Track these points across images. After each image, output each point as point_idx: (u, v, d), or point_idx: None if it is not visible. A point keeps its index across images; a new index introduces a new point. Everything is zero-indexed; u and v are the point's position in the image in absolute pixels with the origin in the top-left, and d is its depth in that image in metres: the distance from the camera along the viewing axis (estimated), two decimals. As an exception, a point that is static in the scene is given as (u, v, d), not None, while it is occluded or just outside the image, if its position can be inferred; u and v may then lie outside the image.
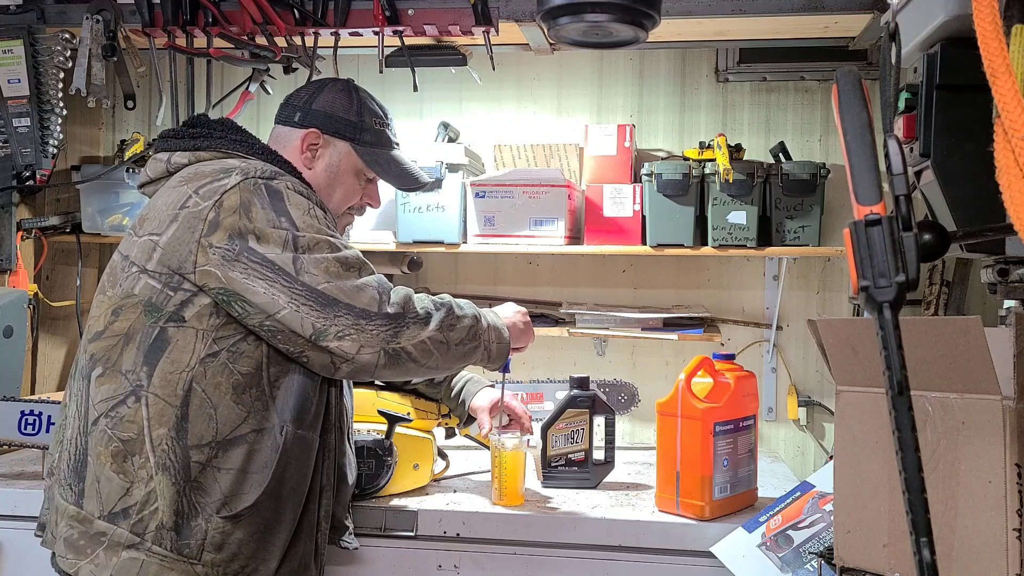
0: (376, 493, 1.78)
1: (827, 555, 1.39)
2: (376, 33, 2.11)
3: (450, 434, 2.02)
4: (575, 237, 2.38)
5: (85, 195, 2.47)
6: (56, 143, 2.28)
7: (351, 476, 1.63)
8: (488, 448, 1.82)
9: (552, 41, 2.17)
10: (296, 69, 2.18)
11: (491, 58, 2.12)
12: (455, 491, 1.88)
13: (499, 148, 2.46)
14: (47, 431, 1.86)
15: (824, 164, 2.23)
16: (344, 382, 1.60)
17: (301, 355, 1.41)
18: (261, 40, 2.11)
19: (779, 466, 2.26)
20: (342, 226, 1.76)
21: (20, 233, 2.37)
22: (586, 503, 1.79)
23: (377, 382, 1.86)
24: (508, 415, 1.89)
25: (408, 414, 1.83)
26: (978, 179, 1.17)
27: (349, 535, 1.64)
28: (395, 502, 1.77)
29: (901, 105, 1.41)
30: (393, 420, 1.77)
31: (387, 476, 1.77)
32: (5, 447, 2.03)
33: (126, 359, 1.39)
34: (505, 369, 1.72)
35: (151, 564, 1.34)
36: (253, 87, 2.21)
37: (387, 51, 2.14)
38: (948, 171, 1.32)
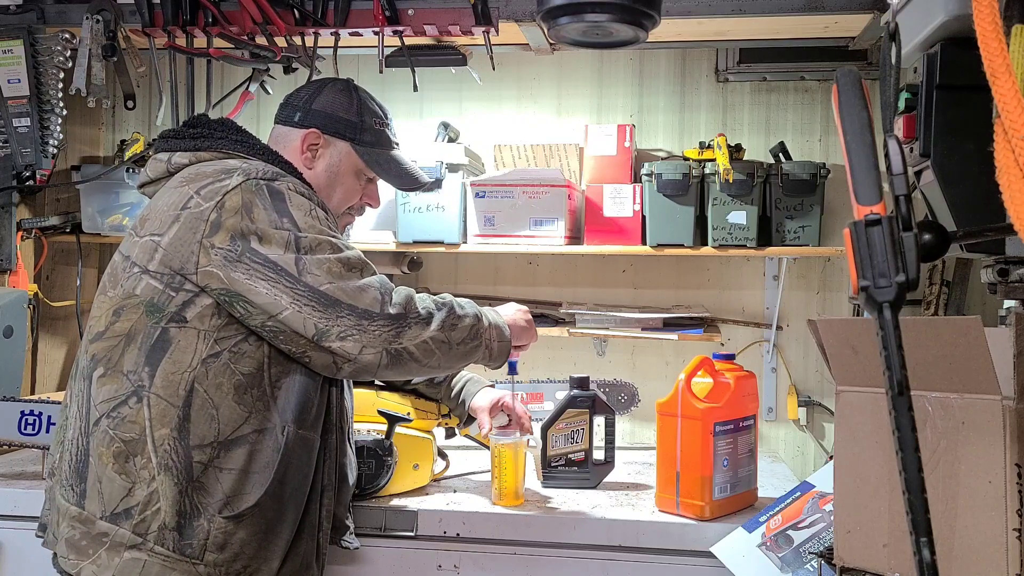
0: (376, 493, 1.78)
1: (827, 555, 1.39)
2: (376, 33, 2.11)
3: (450, 434, 2.02)
4: (575, 237, 2.38)
5: (85, 195, 2.47)
6: (56, 143, 2.28)
7: (352, 476, 1.64)
8: (488, 448, 1.83)
9: (552, 41, 2.17)
10: (296, 69, 2.18)
11: (491, 58, 2.12)
12: (455, 491, 1.88)
13: (499, 148, 2.46)
14: (47, 431, 1.86)
15: (824, 164, 2.23)
16: (344, 382, 1.60)
17: (303, 355, 1.41)
18: (261, 40, 2.11)
19: (779, 466, 2.27)
20: (342, 226, 1.76)
21: (20, 233, 2.37)
22: (586, 503, 1.79)
23: (377, 382, 1.87)
24: (508, 415, 1.89)
25: (408, 414, 1.83)
26: (978, 179, 1.17)
27: (350, 535, 1.64)
28: (395, 502, 1.77)
29: (901, 105, 1.41)
30: (393, 420, 1.77)
31: (387, 476, 1.77)
32: (5, 447, 2.03)
33: (127, 359, 1.39)
34: (512, 370, 1.72)
35: (153, 564, 1.34)
36: (253, 87, 2.21)
37: (387, 51, 2.14)
38: (948, 171, 1.32)
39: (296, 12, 2.09)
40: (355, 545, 1.64)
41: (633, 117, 2.58)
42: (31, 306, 2.36)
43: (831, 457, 1.70)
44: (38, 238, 2.46)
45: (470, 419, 1.92)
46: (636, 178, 2.37)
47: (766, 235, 2.26)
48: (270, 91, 2.25)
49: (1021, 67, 0.88)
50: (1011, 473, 1.07)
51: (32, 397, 2.09)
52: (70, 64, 2.21)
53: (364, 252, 1.52)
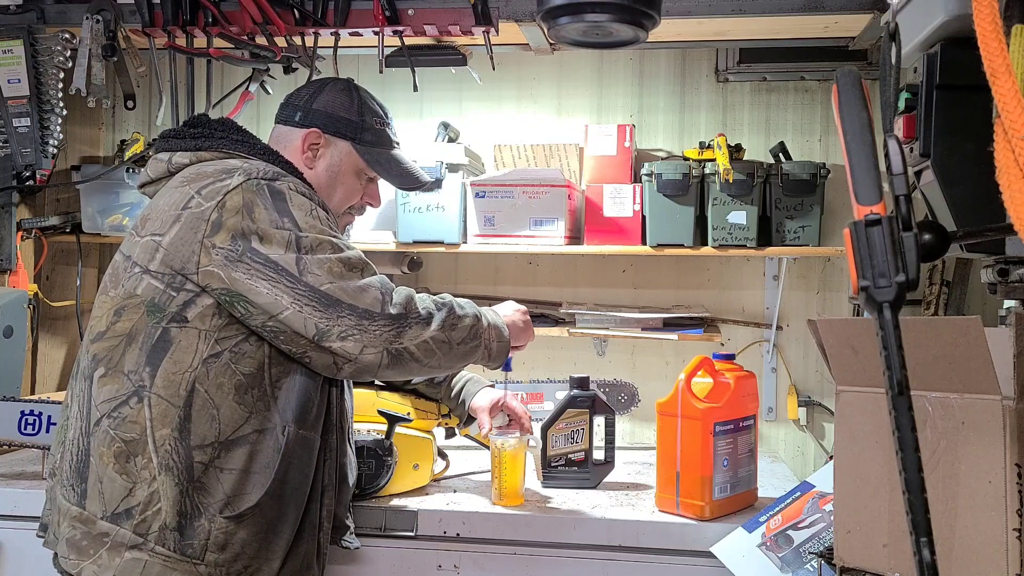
0: (376, 493, 1.78)
1: (827, 555, 1.39)
2: (376, 33, 2.11)
3: (450, 434, 2.02)
4: (575, 237, 2.38)
5: (85, 195, 2.47)
6: (56, 143, 2.28)
7: (352, 476, 1.64)
8: (488, 448, 1.83)
9: (552, 41, 2.17)
10: (296, 69, 2.18)
11: (491, 58, 2.12)
12: (455, 491, 1.88)
13: (499, 148, 2.46)
14: (47, 431, 1.86)
15: (824, 164, 2.23)
16: (344, 382, 1.60)
17: (304, 356, 1.41)
18: (261, 40, 2.11)
19: (779, 466, 2.27)
20: (342, 226, 1.76)
21: (20, 233, 2.37)
22: (586, 503, 1.79)
23: (377, 382, 1.86)
24: (508, 415, 1.89)
25: (408, 414, 1.83)
26: (978, 179, 1.17)
27: (350, 535, 1.64)
28: (395, 502, 1.77)
29: (901, 105, 1.41)
30: (393, 420, 1.77)
31: (387, 476, 1.77)
32: (5, 447, 2.03)
33: (128, 359, 1.39)
34: (507, 368, 1.72)
35: (154, 564, 1.34)
36: (253, 87, 2.21)
37: (387, 51, 2.14)
38: (948, 171, 1.32)
39: (296, 12, 2.09)
40: (355, 545, 1.65)
41: (633, 117, 2.58)
42: (31, 306, 2.36)
43: (831, 457, 1.70)
44: (38, 238, 2.46)
45: (470, 419, 1.92)
46: (636, 178, 2.37)
47: (766, 235, 2.26)
48: (270, 91, 2.25)
49: (1021, 67, 0.88)
50: (1011, 473, 1.07)
51: (32, 397, 2.09)
52: (70, 64, 2.21)
53: (364, 252, 1.52)
